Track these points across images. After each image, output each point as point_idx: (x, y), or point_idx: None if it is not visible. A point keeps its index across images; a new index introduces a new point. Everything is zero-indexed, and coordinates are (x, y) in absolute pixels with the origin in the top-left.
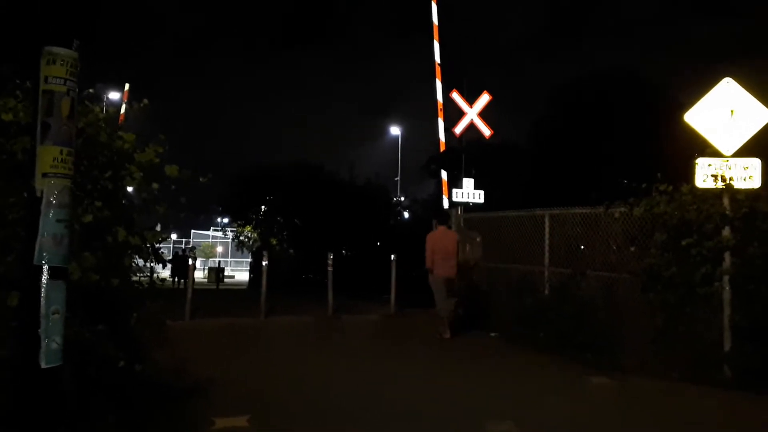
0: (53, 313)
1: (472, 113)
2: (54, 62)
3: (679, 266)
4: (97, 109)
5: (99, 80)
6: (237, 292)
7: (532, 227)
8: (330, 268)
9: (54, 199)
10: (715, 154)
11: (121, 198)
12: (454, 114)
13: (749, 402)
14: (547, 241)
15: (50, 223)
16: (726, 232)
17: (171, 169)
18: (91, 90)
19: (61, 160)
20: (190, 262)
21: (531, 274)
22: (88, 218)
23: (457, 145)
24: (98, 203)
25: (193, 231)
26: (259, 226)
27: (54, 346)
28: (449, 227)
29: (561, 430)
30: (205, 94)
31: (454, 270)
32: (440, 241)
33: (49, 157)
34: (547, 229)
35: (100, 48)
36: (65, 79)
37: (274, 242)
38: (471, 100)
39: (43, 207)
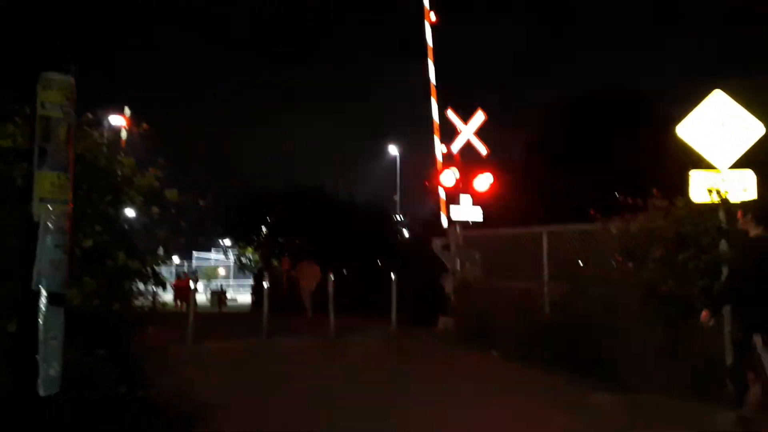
0: (51, 339)
1: (467, 131)
2: (50, 87)
3: (676, 281)
4: (96, 133)
5: (99, 105)
6: (239, 315)
7: (530, 245)
8: (331, 289)
9: (51, 224)
10: (709, 167)
11: (121, 222)
12: (451, 132)
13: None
14: (545, 259)
15: (48, 248)
16: (723, 245)
17: (171, 194)
18: (89, 115)
19: (59, 185)
20: (192, 285)
21: (531, 291)
22: (88, 243)
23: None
24: (98, 227)
25: (194, 253)
26: (261, 248)
27: (52, 372)
28: None
29: None
30: (202, 116)
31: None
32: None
33: (47, 182)
34: (545, 247)
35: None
36: (62, 105)
37: (276, 264)
38: (466, 119)
39: (40, 232)
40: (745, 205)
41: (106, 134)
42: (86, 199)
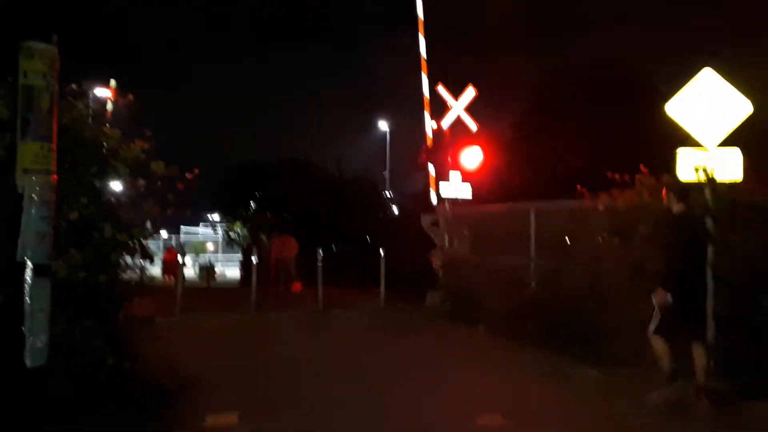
0: (38, 311)
1: (458, 108)
2: (33, 57)
3: (662, 258)
4: (82, 105)
5: (86, 76)
6: (228, 289)
7: (518, 221)
8: (319, 264)
9: (36, 195)
10: (697, 145)
11: (108, 195)
12: (441, 108)
13: (728, 390)
14: (533, 235)
15: (32, 220)
16: (709, 223)
17: (157, 165)
18: (74, 86)
19: (43, 156)
20: (180, 259)
21: (518, 267)
22: (74, 215)
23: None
24: (84, 200)
25: (182, 227)
26: (249, 222)
27: (39, 344)
28: None
29: (548, 420)
30: (192, 91)
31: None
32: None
33: (30, 153)
34: (533, 223)
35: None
36: (45, 74)
37: (264, 238)
38: (457, 94)
39: (25, 203)
40: (667, 184)
41: (91, 105)
42: (71, 170)
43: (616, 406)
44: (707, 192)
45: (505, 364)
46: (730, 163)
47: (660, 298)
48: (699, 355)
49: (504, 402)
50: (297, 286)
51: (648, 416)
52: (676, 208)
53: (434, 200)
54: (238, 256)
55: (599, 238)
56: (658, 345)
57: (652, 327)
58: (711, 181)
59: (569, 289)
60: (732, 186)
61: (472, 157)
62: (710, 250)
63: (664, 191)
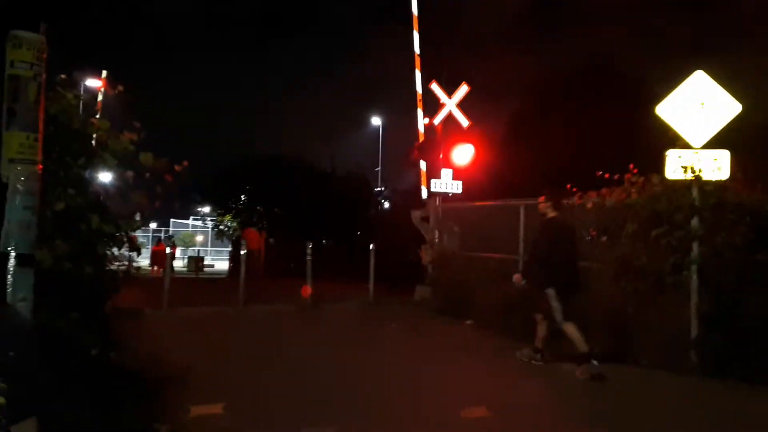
0: (20, 300)
1: (451, 104)
2: (20, 46)
3: (649, 256)
4: (70, 95)
5: (76, 67)
6: (216, 281)
7: (507, 217)
8: (309, 258)
9: (21, 185)
10: (686, 146)
11: (95, 186)
12: (434, 105)
13: (712, 387)
14: (522, 231)
15: (17, 209)
16: (695, 222)
17: (145, 157)
18: (63, 76)
19: (28, 146)
20: (168, 250)
21: (506, 262)
22: (60, 206)
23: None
24: (71, 191)
25: (172, 220)
26: (239, 215)
27: None
28: None
29: (532, 413)
30: (184, 84)
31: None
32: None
33: (15, 142)
34: (522, 219)
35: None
36: (32, 64)
37: (254, 231)
38: (450, 91)
39: (9, 193)
40: (544, 193)
41: (81, 96)
42: (59, 161)
43: (597, 398)
44: (694, 191)
45: (491, 357)
46: (717, 163)
47: (517, 280)
48: (572, 332)
49: (488, 394)
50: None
51: (627, 408)
52: (551, 214)
53: (425, 195)
54: (228, 248)
55: (587, 235)
56: (570, 330)
57: (558, 317)
58: (698, 179)
59: None
60: (719, 185)
61: (463, 154)
62: (695, 248)
63: (541, 199)
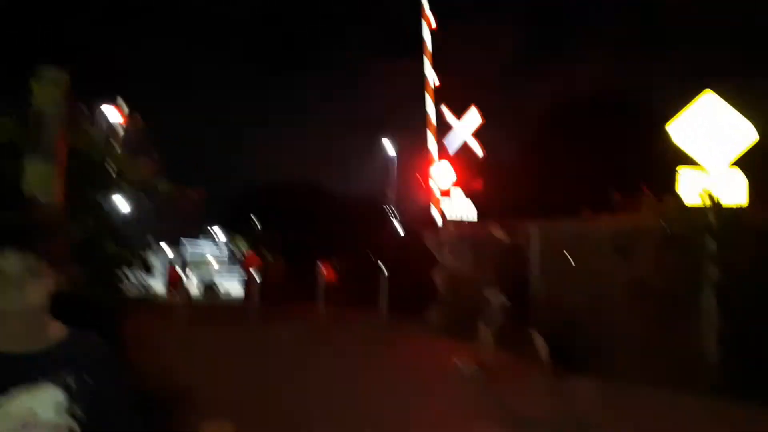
0: None
1: (464, 132)
2: (44, 82)
3: (665, 278)
4: (92, 128)
5: (96, 100)
6: (230, 307)
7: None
8: (322, 281)
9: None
10: (697, 165)
11: (113, 213)
12: (446, 129)
13: (732, 408)
14: (538, 254)
15: None
16: (711, 245)
17: (163, 186)
18: (84, 108)
19: (49, 177)
20: (182, 274)
21: (523, 283)
22: (80, 234)
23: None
24: (90, 222)
25: (187, 244)
26: (254, 240)
27: None
28: None
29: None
30: (201, 116)
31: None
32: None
33: (37, 174)
34: (537, 241)
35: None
36: (55, 99)
37: (268, 255)
38: (460, 116)
39: None
40: (497, 218)
41: (102, 128)
42: (79, 192)
43: (611, 417)
44: (711, 215)
45: (511, 375)
46: (733, 185)
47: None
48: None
49: (503, 411)
50: None
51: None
52: (507, 240)
53: (437, 219)
54: (242, 272)
55: (601, 257)
56: (538, 340)
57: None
58: (716, 205)
59: (568, 306)
60: (737, 210)
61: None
62: (712, 270)
63: (496, 227)
